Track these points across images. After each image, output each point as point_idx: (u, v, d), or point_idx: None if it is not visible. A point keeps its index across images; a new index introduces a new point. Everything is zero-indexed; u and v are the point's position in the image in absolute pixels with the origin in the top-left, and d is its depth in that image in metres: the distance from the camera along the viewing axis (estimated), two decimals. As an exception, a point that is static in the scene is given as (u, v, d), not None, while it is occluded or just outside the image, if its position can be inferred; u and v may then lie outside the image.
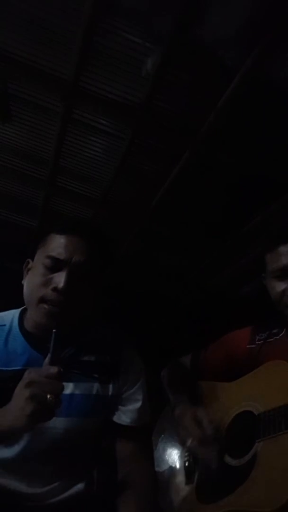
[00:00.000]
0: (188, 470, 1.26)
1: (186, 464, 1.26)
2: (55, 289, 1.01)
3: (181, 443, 1.26)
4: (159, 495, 1.16)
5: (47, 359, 0.93)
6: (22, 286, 1.10)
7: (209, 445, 1.17)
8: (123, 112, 2.01)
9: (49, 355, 0.93)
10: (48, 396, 0.85)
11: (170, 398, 1.37)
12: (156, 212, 2.73)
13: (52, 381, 0.87)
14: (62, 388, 0.89)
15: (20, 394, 0.87)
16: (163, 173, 2.41)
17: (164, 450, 1.37)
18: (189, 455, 1.28)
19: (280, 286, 1.19)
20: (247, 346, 1.32)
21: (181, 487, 1.25)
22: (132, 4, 1.55)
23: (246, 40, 1.57)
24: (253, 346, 1.31)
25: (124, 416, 1.10)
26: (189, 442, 1.19)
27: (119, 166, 2.38)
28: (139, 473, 1.08)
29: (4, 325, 1.12)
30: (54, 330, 0.94)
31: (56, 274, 1.03)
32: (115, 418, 1.10)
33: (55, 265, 1.03)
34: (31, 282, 1.07)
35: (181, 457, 1.31)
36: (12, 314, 1.15)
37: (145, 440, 1.13)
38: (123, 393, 1.11)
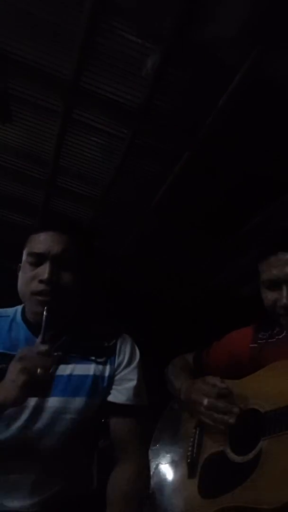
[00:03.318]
0: (191, 465, 1.26)
1: (189, 460, 1.26)
2: (41, 281, 1.08)
3: (196, 408, 1.23)
4: (150, 478, 1.17)
5: (39, 338, 0.99)
6: (21, 286, 1.14)
7: (226, 400, 1.17)
8: (123, 112, 2.02)
9: (40, 335, 1.00)
10: (39, 370, 0.91)
11: (173, 383, 1.37)
12: (156, 212, 2.73)
13: (42, 357, 0.94)
14: (52, 363, 0.95)
15: (13, 367, 0.93)
16: (163, 173, 2.41)
17: (167, 445, 1.37)
18: (192, 450, 1.28)
19: (271, 296, 1.21)
20: (250, 345, 1.32)
21: (183, 481, 1.25)
22: (132, 4, 1.56)
23: (246, 40, 1.57)
24: (255, 345, 1.31)
25: (120, 394, 1.13)
26: (205, 401, 1.19)
27: (119, 166, 2.39)
28: (133, 454, 1.11)
29: (8, 316, 1.20)
30: (45, 313, 1.02)
31: (40, 268, 1.10)
32: (111, 398, 1.13)
33: (38, 260, 1.11)
34: (20, 280, 1.14)
35: (184, 451, 1.31)
36: (16, 308, 1.23)
37: (140, 421, 1.15)
38: (118, 373, 1.15)
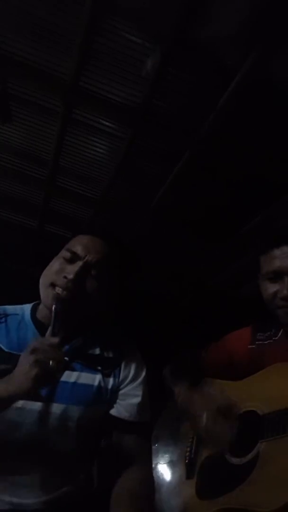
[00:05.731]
0: (189, 465, 1.26)
1: (187, 461, 1.26)
2: (65, 277, 1.09)
3: (193, 420, 1.24)
4: (155, 491, 1.16)
5: (48, 331, 1.02)
6: (21, 285, 1.14)
7: (227, 417, 1.17)
8: (123, 112, 2.02)
9: (50, 328, 1.02)
10: (51, 362, 0.92)
11: (172, 386, 1.37)
12: (156, 212, 2.73)
13: (53, 349, 0.95)
14: (63, 356, 0.97)
15: (25, 360, 0.94)
16: (163, 173, 2.41)
17: (165, 445, 1.37)
18: (190, 451, 1.28)
19: (272, 288, 1.22)
20: (248, 346, 1.33)
21: (181, 482, 1.26)
22: (132, 4, 1.56)
23: (246, 40, 1.57)
24: (253, 346, 1.32)
25: (123, 410, 1.12)
26: (204, 416, 1.18)
27: (119, 166, 2.38)
28: (137, 464, 1.11)
29: (17, 314, 1.19)
30: (54, 306, 1.04)
31: (70, 266, 1.11)
32: (114, 412, 1.12)
33: (72, 258, 1.12)
34: (48, 268, 1.15)
35: (182, 451, 1.31)
36: (23, 306, 1.22)
37: (143, 437, 1.14)
38: (122, 388, 1.13)
